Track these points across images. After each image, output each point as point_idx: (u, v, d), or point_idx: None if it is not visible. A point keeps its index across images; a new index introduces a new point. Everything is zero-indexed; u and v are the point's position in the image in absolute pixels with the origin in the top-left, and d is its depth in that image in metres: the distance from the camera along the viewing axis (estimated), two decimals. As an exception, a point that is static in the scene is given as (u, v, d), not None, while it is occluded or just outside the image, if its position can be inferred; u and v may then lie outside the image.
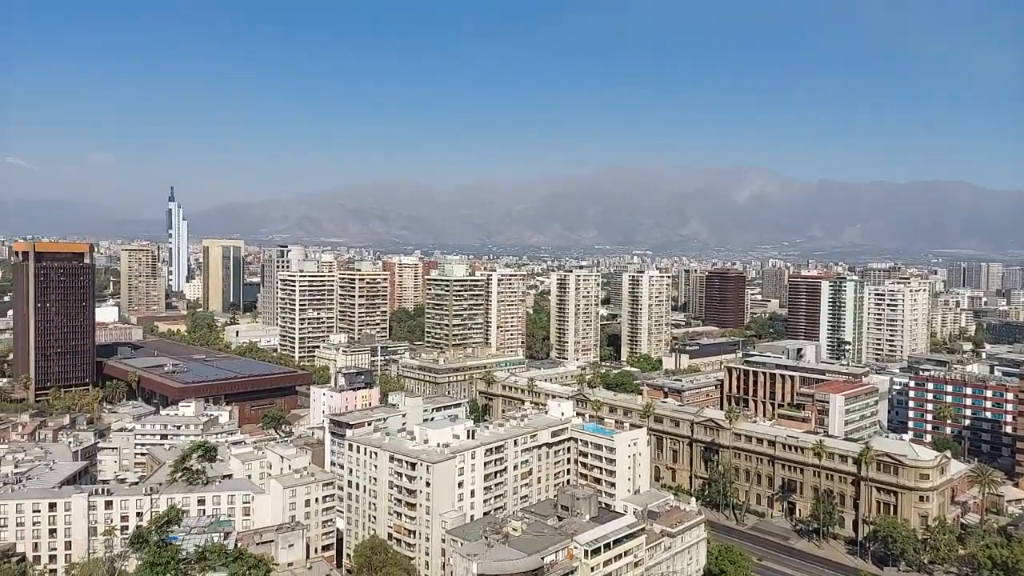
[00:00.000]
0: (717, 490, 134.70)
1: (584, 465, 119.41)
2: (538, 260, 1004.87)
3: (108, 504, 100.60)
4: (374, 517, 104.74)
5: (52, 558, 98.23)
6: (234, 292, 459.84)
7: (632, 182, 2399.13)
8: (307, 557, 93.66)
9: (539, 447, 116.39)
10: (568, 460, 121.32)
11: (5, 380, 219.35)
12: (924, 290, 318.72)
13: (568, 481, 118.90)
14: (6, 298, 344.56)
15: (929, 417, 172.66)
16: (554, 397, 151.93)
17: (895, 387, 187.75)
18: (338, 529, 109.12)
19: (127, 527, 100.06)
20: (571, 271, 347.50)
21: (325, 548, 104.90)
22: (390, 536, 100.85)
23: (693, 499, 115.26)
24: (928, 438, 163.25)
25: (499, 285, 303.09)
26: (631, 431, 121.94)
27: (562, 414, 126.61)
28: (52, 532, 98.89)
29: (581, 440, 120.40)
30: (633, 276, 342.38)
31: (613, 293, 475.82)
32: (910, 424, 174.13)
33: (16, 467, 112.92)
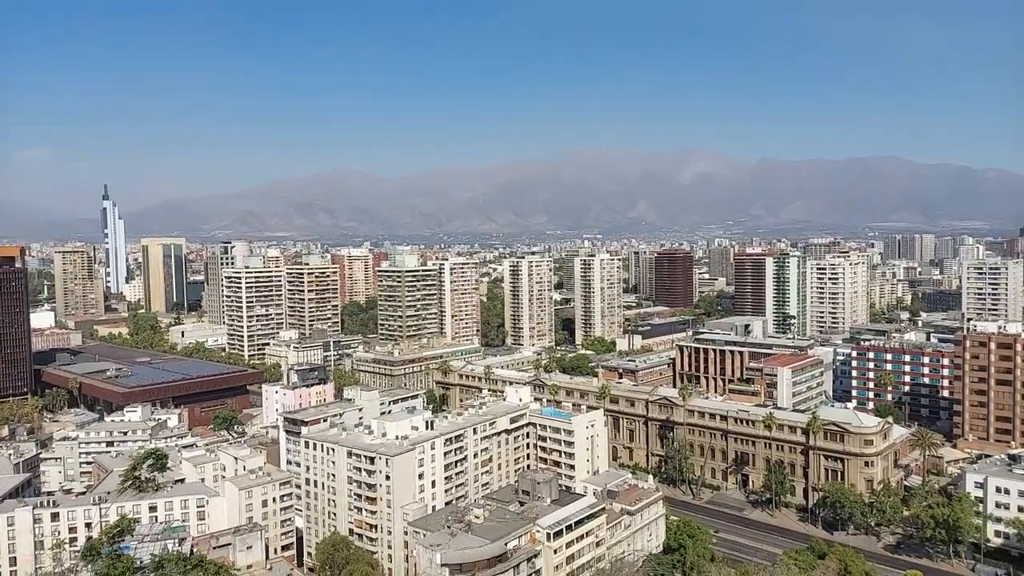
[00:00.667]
0: (673, 466, 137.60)
1: (543, 449, 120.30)
2: (490, 248, 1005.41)
3: (55, 516, 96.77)
4: (334, 514, 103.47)
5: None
6: (177, 291, 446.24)
7: (581, 168, 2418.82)
8: (267, 558, 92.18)
9: (498, 434, 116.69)
10: (528, 445, 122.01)
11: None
12: (862, 263, 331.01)
13: (528, 466, 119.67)
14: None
15: (871, 385, 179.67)
16: (511, 383, 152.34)
17: (839, 358, 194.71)
18: (297, 528, 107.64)
19: (76, 539, 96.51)
20: (523, 257, 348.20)
21: (285, 548, 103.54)
22: (351, 532, 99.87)
23: (650, 476, 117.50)
24: (871, 405, 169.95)
25: (452, 274, 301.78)
26: (588, 413, 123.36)
27: (520, 400, 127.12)
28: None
29: (540, 425, 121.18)
30: (584, 260, 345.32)
31: (565, 278, 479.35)
32: (854, 393, 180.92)
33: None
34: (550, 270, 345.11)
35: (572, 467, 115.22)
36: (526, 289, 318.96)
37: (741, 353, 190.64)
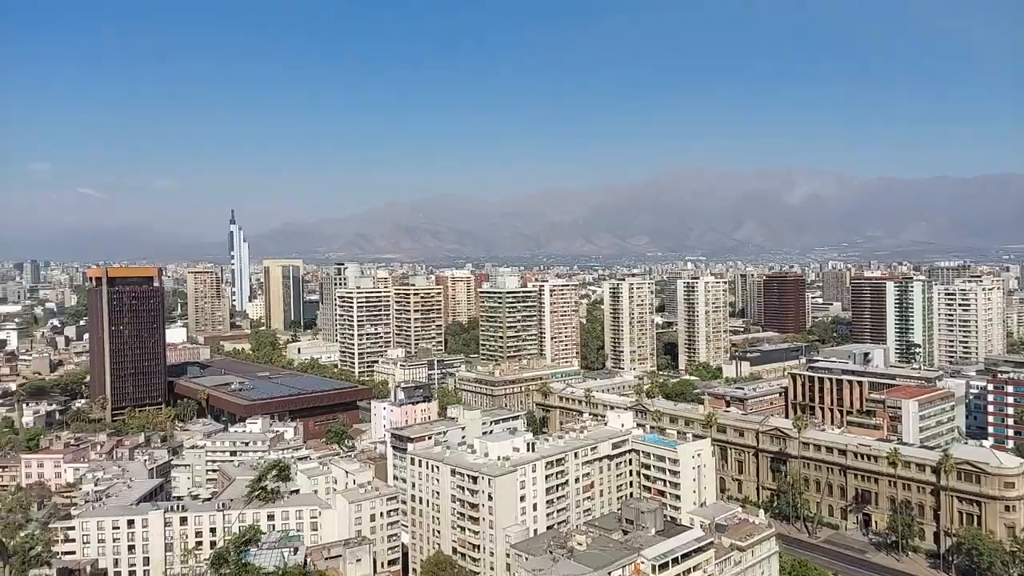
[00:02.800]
0: (787, 502, 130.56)
1: (647, 477, 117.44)
2: (589, 269, 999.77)
3: (183, 520, 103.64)
4: (438, 531, 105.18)
5: (132, 574, 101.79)
6: (295, 310, 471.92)
7: (682, 188, 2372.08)
8: (374, 572, 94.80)
9: (600, 459, 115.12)
10: (630, 472, 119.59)
11: (83, 401, 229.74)
12: (997, 288, 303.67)
13: (631, 494, 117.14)
14: (82, 322, 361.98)
15: (1011, 422, 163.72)
16: (613, 408, 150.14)
17: (972, 391, 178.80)
18: (403, 544, 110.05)
19: (201, 543, 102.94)
20: (624, 279, 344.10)
21: (391, 563, 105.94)
22: (454, 551, 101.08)
23: (762, 511, 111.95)
24: (1010, 444, 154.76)
25: (552, 296, 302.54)
26: (695, 442, 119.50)
27: (622, 425, 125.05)
28: (131, 548, 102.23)
29: (643, 452, 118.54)
30: (688, 282, 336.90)
31: (668, 301, 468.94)
32: (990, 430, 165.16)
33: (96, 485, 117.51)
34: (651, 292, 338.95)
35: (677, 497, 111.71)
36: (627, 312, 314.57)
37: (860, 383, 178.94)
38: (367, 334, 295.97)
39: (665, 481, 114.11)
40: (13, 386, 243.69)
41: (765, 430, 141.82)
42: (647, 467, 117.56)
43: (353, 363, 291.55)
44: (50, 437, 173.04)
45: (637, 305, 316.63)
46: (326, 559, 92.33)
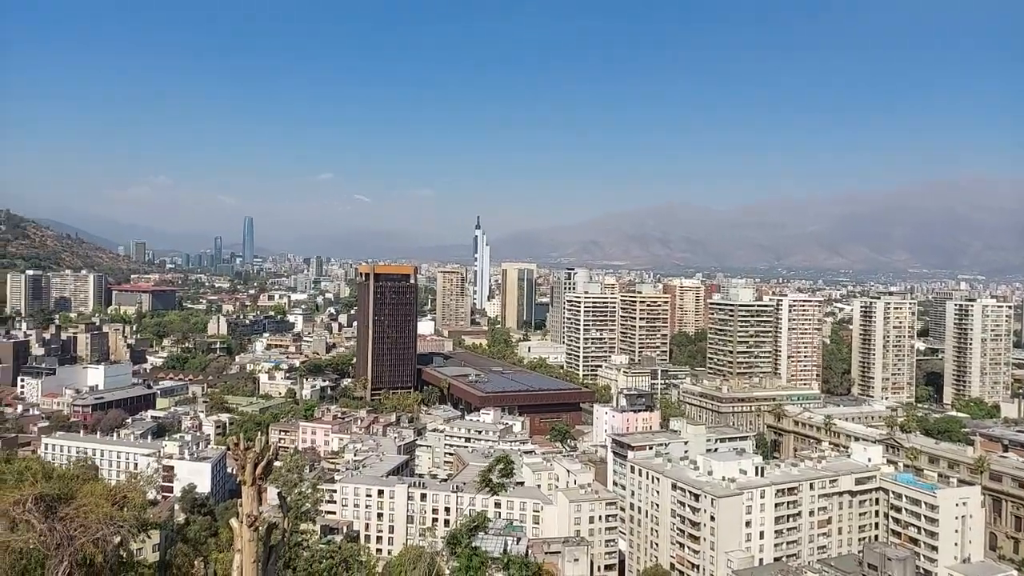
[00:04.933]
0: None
1: (896, 521, 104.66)
2: (836, 285, 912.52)
3: (423, 496, 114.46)
4: (656, 544, 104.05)
5: (379, 539, 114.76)
6: (527, 311, 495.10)
7: (953, 197, 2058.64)
8: (590, 574, 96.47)
9: (840, 494, 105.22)
10: (876, 513, 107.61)
11: (350, 380, 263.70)
12: None
13: (876, 537, 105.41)
14: (352, 311, 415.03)
15: None
16: (858, 439, 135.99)
17: None
18: (620, 550, 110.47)
19: (436, 520, 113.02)
20: (878, 297, 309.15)
21: (607, 568, 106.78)
22: (672, 567, 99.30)
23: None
24: None
25: (791, 311, 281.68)
26: (960, 488, 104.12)
27: (869, 460, 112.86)
28: (379, 516, 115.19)
29: (894, 492, 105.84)
30: (961, 305, 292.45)
31: (933, 324, 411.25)
32: None
33: (355, 456, 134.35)
34: (913, 314, 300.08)
35: (934, 548, 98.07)
36: (881, 333, 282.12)
37: None
38: (592, 338, 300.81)
39: (919, 528, 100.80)
40: (297, 363, 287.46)
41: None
42: (897, 509, 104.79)
43: (578, 365, 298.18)
44: (322, 409, 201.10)
45: (894, 327, 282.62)
46: (546, 553, 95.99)
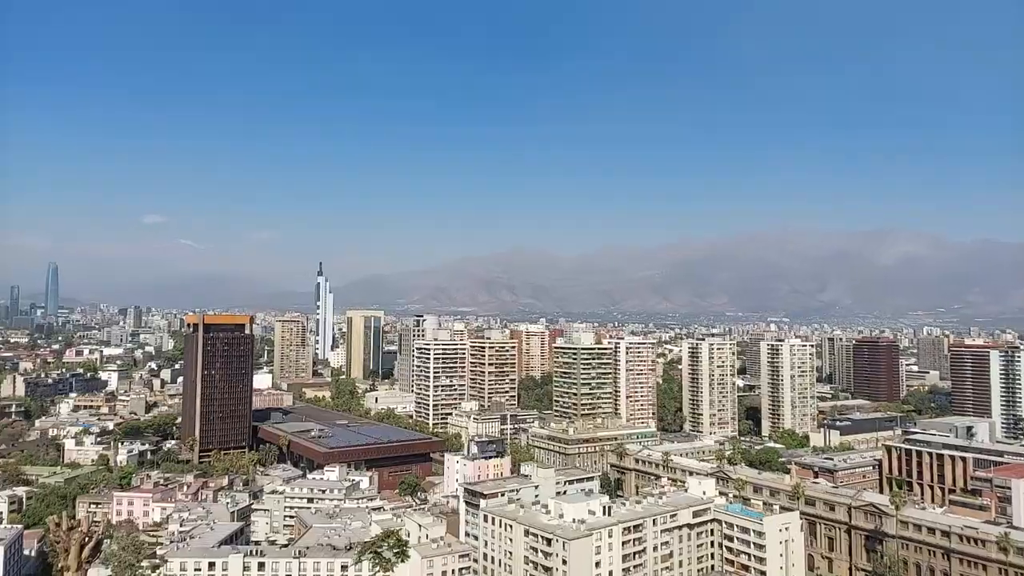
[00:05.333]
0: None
1: (730, 550, 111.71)
2: (665, 328, 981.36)
3: (260, 566, 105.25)
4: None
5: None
6: (374, 360, 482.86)
7: (764, 246, 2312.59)
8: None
9: (680, 527, 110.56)
10: (712, 543, 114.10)
11: (174, 441, 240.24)
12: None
13: (712, 567, 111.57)
14: (177, 365, 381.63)
15: None
16: (693, 474, 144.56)
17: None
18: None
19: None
20: (703, 339, 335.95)
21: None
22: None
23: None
24: None
25: (628, 353, 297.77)
26: (782, 514, 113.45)
27: (703, 493, 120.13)
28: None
29: (726, 522, 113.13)
30: (772, 345, 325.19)
31: (749, 363, 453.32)
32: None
33: (181, 526, 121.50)
34: (733, 354, 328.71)
35: (763, 573, 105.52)
36: (707, 373, 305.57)
37: (964, 459, 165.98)
38: (443, 386, 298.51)
39: (749, 555, 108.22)
40: (111, 425, 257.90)
41: (859, 505, 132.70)
42: (730, 539, 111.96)
43: (428, 414, 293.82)
44: (141, 476, 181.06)
45: (718, 366, 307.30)
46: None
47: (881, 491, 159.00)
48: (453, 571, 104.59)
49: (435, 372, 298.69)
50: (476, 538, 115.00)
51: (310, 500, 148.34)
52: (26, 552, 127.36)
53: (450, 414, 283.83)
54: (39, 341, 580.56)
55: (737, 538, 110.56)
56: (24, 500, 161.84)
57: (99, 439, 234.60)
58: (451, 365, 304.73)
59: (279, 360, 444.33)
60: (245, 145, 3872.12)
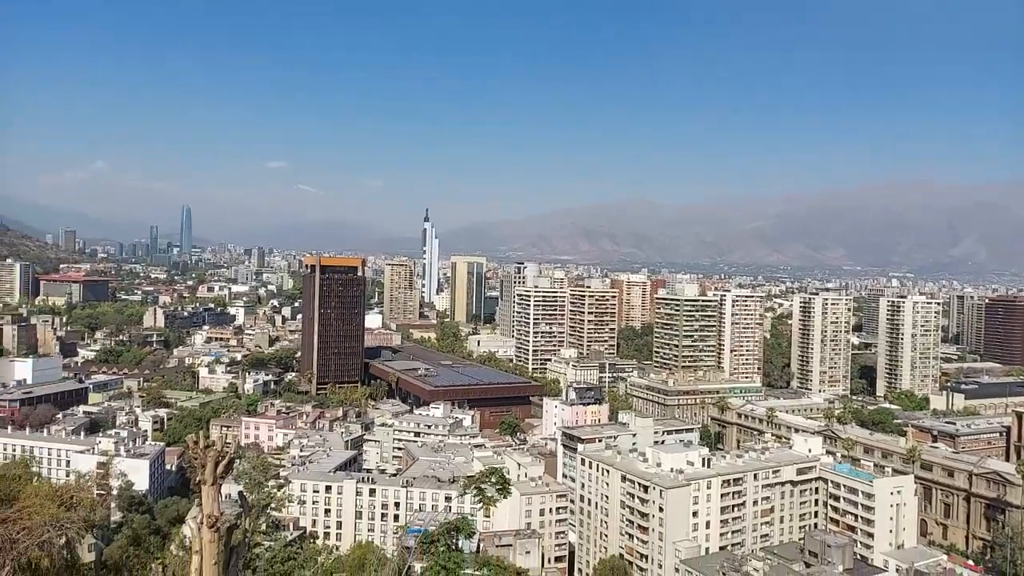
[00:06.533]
0: (1004, 556, 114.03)
1: (835, 510, 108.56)
2: (775, 281, 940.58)
3: (372, 492, 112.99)
4: (605, 535, 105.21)
5: (326, 535, 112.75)
6: (476, 304, 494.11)
7: (889, 198, 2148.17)
8: (541, 566, 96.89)
9: (782, 484, 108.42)
10: (816, 502, 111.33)
11: (294, 374, 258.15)
12: None
13: (815, 525, 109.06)
14: (296, 303, 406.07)
15: None
16: (799, 431, 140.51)
17: None
18: (569, 542, 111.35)
19: (386, 515, 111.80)
20: (816, 293, 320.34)
21: (558, 559, 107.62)
22: (621, 556, 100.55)
23: (970, 562, 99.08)
24: None
25: (734, 306, 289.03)
26: (894, 477, 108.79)
27: (809, 451, 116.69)
28: (327, 512, 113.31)
29: (832, 481, 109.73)
30: (893, 301, 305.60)
31: (866, 320, 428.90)
32: None
33: (301, 451, 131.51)
34: (848, 310, 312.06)
35: (870, 535, 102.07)
36: (819, 328, 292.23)
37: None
38: (542, 332, 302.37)
39: (856, 516, 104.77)
40: (239, 356, 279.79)
41: (981, 472, 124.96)
42: (835, 498, 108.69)
43: (527, 359, 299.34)
44: (265, 404, 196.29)
45: (831, 322, 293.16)
46: (496, 546, 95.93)
47: (1008, 459, 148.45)
48: (551, 509, 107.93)
49: (535, 318, 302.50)
50: (573, 480, 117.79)
51: (416, 434, 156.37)
52: (168, 467, 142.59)
53: (548, 360, 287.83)
54: (175, 277, 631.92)
55: (844, 498, 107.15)
56: (165, 420, 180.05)
57: (228, 369, 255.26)
58: (551, 312, 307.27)
59: (388, 302, 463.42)
60: (360, 100, 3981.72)
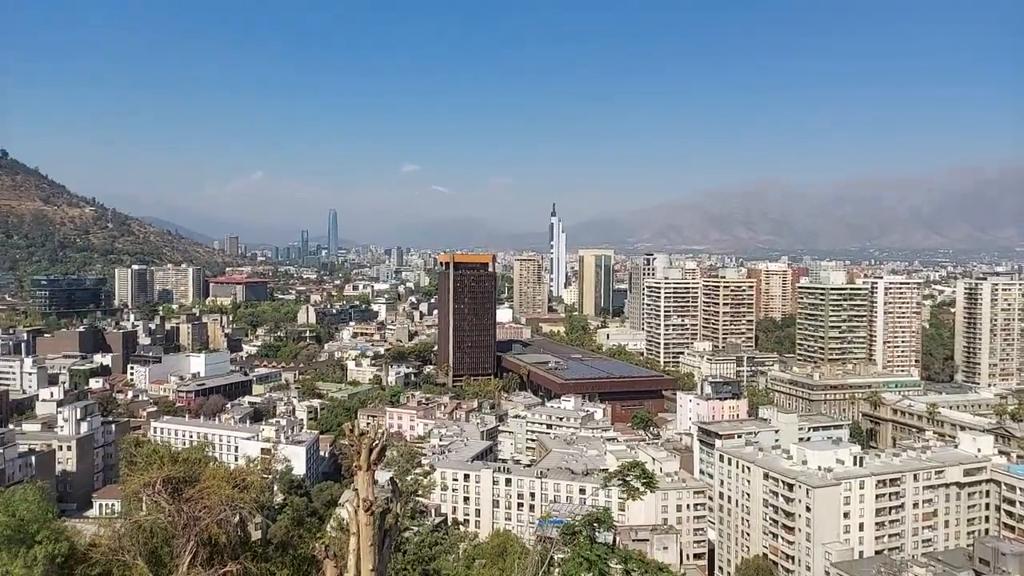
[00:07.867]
0: None
1: (1010, 515, 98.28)
2: (935, 266, 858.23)
3: (508, 482, 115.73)
4: (747, 533, 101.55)
5: (465, 522, 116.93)
6: (604, 297, 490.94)
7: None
8: (680, 563, 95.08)
9: (947, 486, 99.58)
10: (986, 506, 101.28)
11: (431, 367, 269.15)
12: None
13: (986, 531, 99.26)
14: (432, 300, 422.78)
15: None
16: (965, 428, 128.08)
17: None
18: (709, 540, 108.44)
19: (521, 505, 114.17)
20: (984, 278, 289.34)
21: (697, 557, 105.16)
22: (765, 556, 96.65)
23: None
24: None
25: (886, 294, 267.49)
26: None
27: (978, 450, 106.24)
28: (466, 499, 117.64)
29: (1006, 484, 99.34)
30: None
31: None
32: None
33: (440, 440, 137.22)
34: (1023, 295, 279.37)
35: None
36: (988, 317, 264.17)
37: None
38: (674, 324, 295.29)
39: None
40: (382, 350, 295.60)
41: None
42: (1011, 503, 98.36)
43: (658, 352, 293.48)
44: (407, 395, 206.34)
45: (1003, 309, 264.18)
46: (633, 541, 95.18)
47: None
48: (688, 505, 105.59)
49: (666, 310, 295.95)
50: (711, 476, 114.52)
51: (549, 426, 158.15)
52: (321, 454, 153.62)
53: (681, 353, 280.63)
54: (324, 277, 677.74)
55: (1020, 502, 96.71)
56: (318, 410, 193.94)
57: (373, 362, 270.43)
58: (683, 304, 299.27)
59: (517, 296, 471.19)
60: (486, 100, 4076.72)
